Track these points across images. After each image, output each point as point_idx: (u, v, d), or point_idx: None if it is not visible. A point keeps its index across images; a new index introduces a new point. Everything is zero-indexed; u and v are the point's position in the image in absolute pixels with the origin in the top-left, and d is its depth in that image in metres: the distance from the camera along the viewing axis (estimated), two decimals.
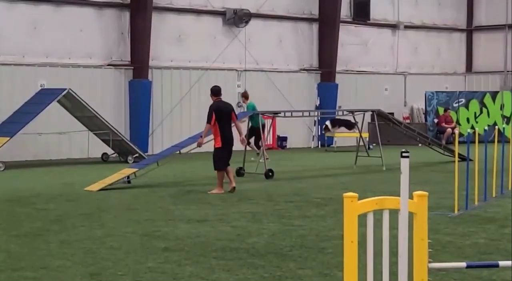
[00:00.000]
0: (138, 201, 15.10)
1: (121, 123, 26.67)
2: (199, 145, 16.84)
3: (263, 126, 22.39)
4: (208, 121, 16.23)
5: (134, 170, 18.03)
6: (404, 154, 5.51)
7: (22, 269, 8.79)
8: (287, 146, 30.78)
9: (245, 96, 25.27)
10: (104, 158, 24.69)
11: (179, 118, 28.41)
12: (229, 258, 9.38)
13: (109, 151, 24.62)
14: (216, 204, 14.51)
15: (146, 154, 24.68)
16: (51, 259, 9.39)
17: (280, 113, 22.34)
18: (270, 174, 19.13)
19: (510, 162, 15.07)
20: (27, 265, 9.01)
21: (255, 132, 22.71)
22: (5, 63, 24.75)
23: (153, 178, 18.25)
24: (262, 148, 20.23)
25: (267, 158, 20.18)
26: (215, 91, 16.69)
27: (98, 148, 24.64)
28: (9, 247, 10.17)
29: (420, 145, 25.58)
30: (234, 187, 16.20)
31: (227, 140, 16.25)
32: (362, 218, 5.65)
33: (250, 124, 22.90)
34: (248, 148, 20.99)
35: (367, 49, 33.90)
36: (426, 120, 33.48)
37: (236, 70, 29.90)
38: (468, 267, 6.56)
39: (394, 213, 5.74)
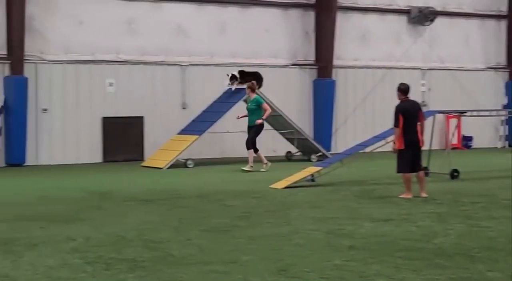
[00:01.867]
0: (322, 199, 15.19)
1: (305, 122, 26.93)
2: (395, 151, 15.49)
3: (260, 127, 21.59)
4: (396, 125, 15.23)
5: (319, 168, 18.15)
6: None
7: (212, 263, 9.05)
8: (472, 146, 30.08)
9: (251, 88, 21.87)
10: (288, 157, 24.98)
11: (362, 117, 28.36)
12: (415, 258, 9.29)
13: (293, 149, 24.89)
14: (400, 203, 14.40)
15: (329, 152, 24.79)
16: (239, 254, 9.61)
17: (466, 112, 21.83)
18: (456, 174, 18.77)
19: None
20: (217, 259, 9.27)
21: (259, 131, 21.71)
22: (194, 64, 25.55)
23: (336, 177, 18.31)
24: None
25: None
26: (404, 90, 15.59)
27: (282, 146, 24.99)
28: (199, 241, 10.50)
29: None
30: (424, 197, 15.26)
31: (411, 141, 15.25)
32: None
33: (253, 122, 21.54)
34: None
35: None
36: None
37: (420, 69, 29.51)
38: None
39: None
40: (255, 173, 20.32)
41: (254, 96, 21.68)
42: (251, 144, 21.31)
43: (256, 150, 21.42)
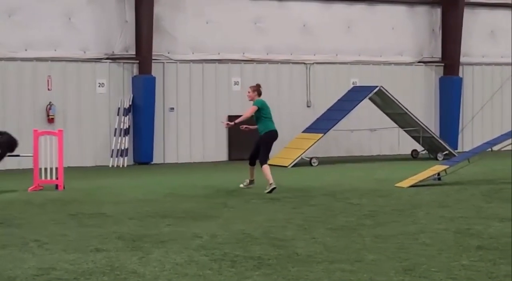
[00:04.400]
0: (449, 198, 14.96)
1: (431, 120, 26.57)
2: None
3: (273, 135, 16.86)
4: None
5: (445, 167, 17.86)
6: None
7: (338, 262, 9.02)
8: None
9: (257, 90, 16.98)
10: (414, 155, 24.70)
11: (490, 115, 27.75)
12: None
13: (419, 148, 24.59)
14: None
15: (456, 151, 24.40)
16: (366, 253, 9.55)
17: None
18: None
19: None
20: (343, 258, 9.23)
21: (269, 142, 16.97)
22: (319, 62, 25.56)
23: (463, 176, 17.98)
24: None
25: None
26: None
27: (407, 145, 24.75)
28: (325, 240, 10.49)
29: None
30: None
31: None
32: None
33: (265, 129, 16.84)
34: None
35: None
36: None
37: None
38: None
39: None
40: (380, 172, 20.15)
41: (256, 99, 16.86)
42: (264, 159, 16.75)
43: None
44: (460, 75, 27.25)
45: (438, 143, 24.03)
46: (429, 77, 27.17)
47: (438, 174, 17.58)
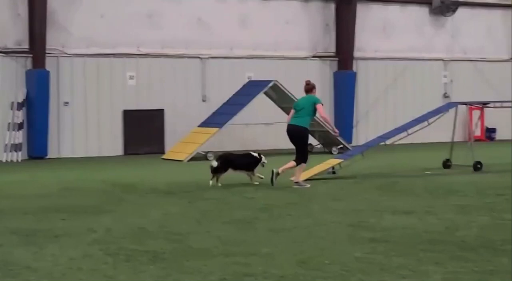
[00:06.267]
0: (343, 191, 15.14)
1: (326, 114, 26.78)
2: None
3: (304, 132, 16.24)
4: None
5: (339, 161, 18.08)
6: None
7: (233, 255, 9.01)
8: (496, 138, 29.89)
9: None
10: (309, 149, 24.81)
11: (383, 109, 28.24)
12: (437, 251, 9.21)
13: (314, 142, 24.80)
14: (422, 196, 14.32)
15: (350, 145, 24.70)
16: (260, 246, 9.56)
17: (489, 103, 21.68)
18: (479, 166, 18.65)
19: None
20: (238, 251, 9.23)
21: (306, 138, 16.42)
22: (215, 56, 25.52)
23: (358, 169, 18.22)
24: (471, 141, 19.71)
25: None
26: None
27: None
28: (220, 233, 10.47)
29: None
30: None
31: None
32: None
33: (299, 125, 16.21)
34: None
35: None
36: None
37: (443, 60, 29.35)
38: None
39: None
40: (275, 166, 20.21)
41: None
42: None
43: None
44: (354, 69, 27.63)
45: (333, 137, 24.27)
46: (323, 72, 27.45)
47: (333, 167, 17.78)
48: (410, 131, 18.72)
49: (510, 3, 30.62)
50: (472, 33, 29.82)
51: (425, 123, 19.08)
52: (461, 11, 29.31)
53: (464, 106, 21.59)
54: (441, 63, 29.23)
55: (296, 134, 16.07)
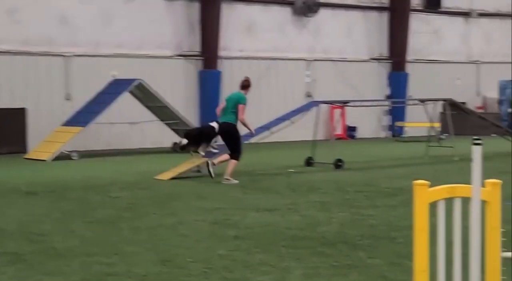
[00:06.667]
0: (208, 190, 15.22)
1: (192, 113, 26.90)
2: None
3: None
4: None
5: (205, 159, 18.12)
6: (476, 142, 5.45)
7: (96, 255, 8.94)
8: (356, 136, 30.66)
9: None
10: (175, 148, 24.87)
11: (248, 108, 28.39)
12: (299, 247, 9.41)
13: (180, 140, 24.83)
14: (285, 193, 14.55)
15: (216, 143, 24.78)
16: (124, 245, 9.53)
17: (349, 102, 22.24)
18: (340, 164, 19.09)
19: None
20: (101, 251, 9.16)
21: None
22: (78, 54, 25.17)
23: (223, 168, 18.31)
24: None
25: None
26: None
27: (169, 137, 24.89)
28: (83, 233, 10.37)
29: (493, 135, 25.22)
30: None
31: None
32: (433, 209, 5.61)
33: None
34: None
35: (438, 37, 33.52)
36: (500, 109, 32.97)
37: (305, 60, 29.86)
38: None
39: (465, 203, 5.66)
40: (141, 165, 20.17)
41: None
42: None
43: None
44: (219, 68, 27.77)
45: None
46: (189, 71, 27.49)
47: (198, 166, 17.82)
48: (273, 130, 18.98)
49: (368, 4, 31.44)
50: (333, 33, 30.47)
51: (288, 122, 19.40)
52: (323, 12, 29.91)
53: (326, 105, 22.05)
54: (303, 63, 29.74)
55: (226, 131, 16.55)
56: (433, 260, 5.63)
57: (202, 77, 27.58)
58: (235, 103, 16.38)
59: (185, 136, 17.71)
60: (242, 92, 16.62)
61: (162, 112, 24.05)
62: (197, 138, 17.61)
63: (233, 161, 16.38)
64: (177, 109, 24.11)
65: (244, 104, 16.41)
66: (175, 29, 27.11)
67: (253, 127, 17.23)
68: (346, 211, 12.23)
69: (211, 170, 16.47)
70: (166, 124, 24.38)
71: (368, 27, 31.59)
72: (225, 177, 16.25)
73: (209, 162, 16.48)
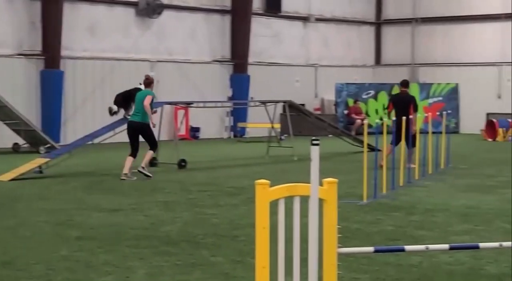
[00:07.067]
0: (50, 190, 15.05)
1: (33, 113, 26.38)
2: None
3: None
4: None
5: (46, 160, 17.93)
6: (314, 142, 5.69)
7: None
8: (200, 137, 30.89)
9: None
10: (15, 149, 24.39)
11: (92, 108, 28.20)
12: (142, 246, 9.49)
13: (20, 141, 24.34)
14: (129, 193, 14.57)
15: (58, 144, 24.48)
16: None
17: (193, 103, 22.43)
18: (183, 164, 19.24)
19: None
20: None
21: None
22: None
23: (65, 168, 18.16)
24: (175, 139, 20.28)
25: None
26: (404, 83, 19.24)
27: (9, 138, 24.34)
28: None
29: (330, 136, 26.02)
30: None
31: None
32: (274, 208, 5.81)
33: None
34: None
35: (278, 41, 34.23)
36: (336, 111, 34.00)
37: (149, 60, 29.83)
38: (376, 251, 6.76)
39: (305, 202, 5.89)
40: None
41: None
42: None
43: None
44: (62, 68, 27.36)
45: (40, 136, 23.94)
46: (30, 70, 26.91)
47: (40, 167, 17.58)
48: (117, 130, 18.94)
49: (211, 7, 31.73)
50: (177, 35, 30.59)
51: None
52: (167, 14, 29.97)
53: (170, 105, 22.15)
54: (147, 64, 29.69)
55: (140, 130, 17.18)
56: (274, 257, 5.83)
57: (43, 77, 27.08)
58: (144, 100, 17.12)
59: (115, 102, 18.85)
60: (148, 89, 17.53)
61: (2, 112, 23.50)
62: (126, 99, 18.67)
63: (150, 152, 17.32)
64: (18, 109, 23.62)
65: (152, 95, 17.35)
66: (15, 28, 26.51)
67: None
68: (190, 211, 12.40)
69: (145, 172, 17.02)
70: (6, 124, 23.83)
71: (211, 29, 31.88)
72: (142, 165, 17.04)
73: (139, 170, 16.97)
